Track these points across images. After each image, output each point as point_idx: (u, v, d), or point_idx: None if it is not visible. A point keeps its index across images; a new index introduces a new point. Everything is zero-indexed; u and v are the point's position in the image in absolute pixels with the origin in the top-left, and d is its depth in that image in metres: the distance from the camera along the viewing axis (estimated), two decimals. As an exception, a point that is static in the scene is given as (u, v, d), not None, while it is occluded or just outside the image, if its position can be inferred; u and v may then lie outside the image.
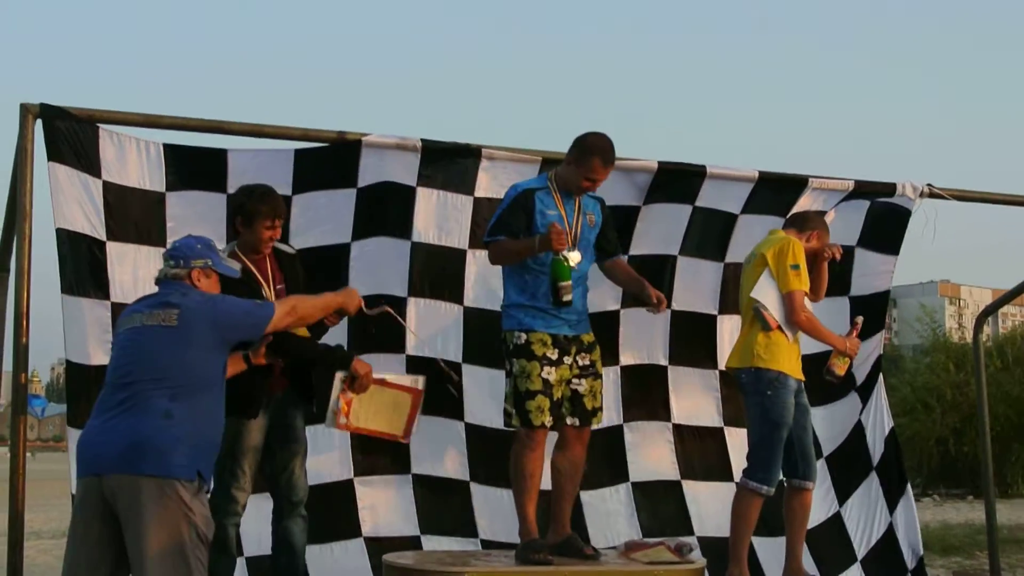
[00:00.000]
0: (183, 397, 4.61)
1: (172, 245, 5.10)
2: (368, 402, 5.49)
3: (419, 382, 5.68)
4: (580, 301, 6.04)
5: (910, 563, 7.60)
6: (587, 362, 6.05)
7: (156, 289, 4.99)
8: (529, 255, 5.87)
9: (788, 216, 7.04)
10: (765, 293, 6.34)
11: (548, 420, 5.87)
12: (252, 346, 5.31)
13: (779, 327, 6.27)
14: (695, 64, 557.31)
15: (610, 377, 7.11)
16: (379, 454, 6.73)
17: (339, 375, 5.44)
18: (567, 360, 5.95)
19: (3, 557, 5.72)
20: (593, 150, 5.94)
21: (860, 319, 6.66)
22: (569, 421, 6.03)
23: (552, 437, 6.05)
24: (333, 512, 6.40)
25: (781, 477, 6.51)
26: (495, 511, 6.87)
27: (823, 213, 6.98)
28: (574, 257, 5.87)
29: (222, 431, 4.80)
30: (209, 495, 4.93)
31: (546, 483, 6.15)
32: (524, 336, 5.90)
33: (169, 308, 4.74)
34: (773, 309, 6.28)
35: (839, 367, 6.48)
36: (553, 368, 5.89)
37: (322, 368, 5.58)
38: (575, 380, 6.00)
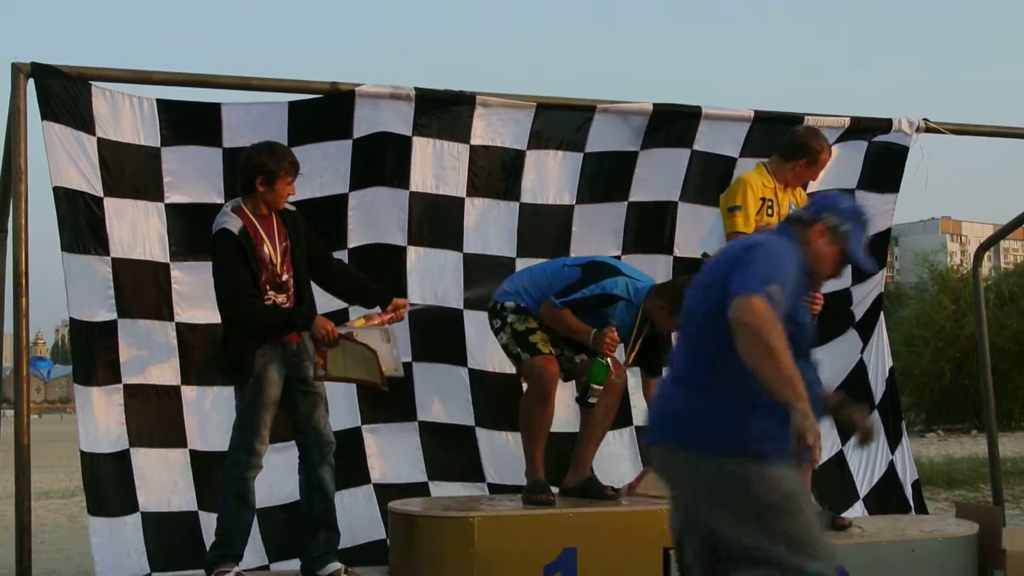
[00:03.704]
0: (703, 364, 3.94)
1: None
2: (343, 354, 5.50)
3: (389, 335, 5.64)
4: None
5: (912, 499, 7.69)
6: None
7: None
8: (576, 338, 6.06)
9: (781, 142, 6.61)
10: (711, 245, 6.36)
11: (554, 351, 6.06)
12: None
13: None
14: (691, 6, 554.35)
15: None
16: (384, 402, 6.75)
17: (305, 334, 5.47)
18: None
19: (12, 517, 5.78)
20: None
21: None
22: (578, 359, 6.20)
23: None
24: (342, 460, 6.39)
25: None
26: (501, 456, 6.92)
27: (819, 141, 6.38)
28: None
29: (756, 398, 3.77)
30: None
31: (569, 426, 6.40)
32: (517, 304, 6.17)
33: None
34: None
35: None
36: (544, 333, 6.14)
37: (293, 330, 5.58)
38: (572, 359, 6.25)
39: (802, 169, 6.27)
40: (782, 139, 6.45)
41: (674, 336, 6.54)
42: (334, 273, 5.87)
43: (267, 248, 5.44)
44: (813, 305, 5.98)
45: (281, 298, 5.49)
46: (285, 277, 5.50)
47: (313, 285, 5.76)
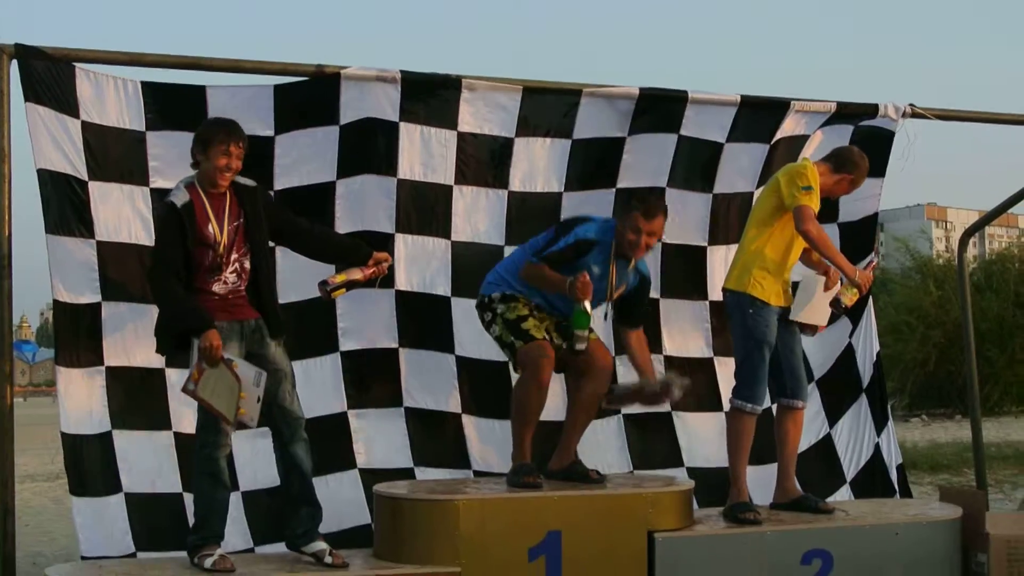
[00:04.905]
0: None
1: None
2: (217, 377, 5.27)
3: (260, 379, 5.38)
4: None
5: (896, 483, 7.72)
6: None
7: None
8: (555, 291, 6.08)
9: (832, 151, 6.79)
10: (802, 310, 6.46)
11: (545, 336, 6.07)
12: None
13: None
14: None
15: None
16: (371, 388, 6.78)
17: (195, 341, 5.26)
18: (545, 322, 6.20)
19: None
20: (633, 204, 6.19)
21: (875, 260, 6.51)
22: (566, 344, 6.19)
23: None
24: (327, 444, 6.41)
25: (770, 404, 6.54)
26: (488, 442, 6.92)
27: (852, 162, 6.58)
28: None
29: None
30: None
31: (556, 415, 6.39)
32: (503, 292, 6.20)
33: None
34: (813, 318, 6.46)
35: (848, 298, 6.38)
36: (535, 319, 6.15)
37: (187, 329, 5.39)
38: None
39: (844, 183, 6.55)
40: (837, 149, 6.73)
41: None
42: (309, 239, 5.84)
43: (212, 227, 5.34)
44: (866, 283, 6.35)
45: (232, 277, 5.41)
46: (235, 256, 5.42)
47: (290, 256, 5.80)
